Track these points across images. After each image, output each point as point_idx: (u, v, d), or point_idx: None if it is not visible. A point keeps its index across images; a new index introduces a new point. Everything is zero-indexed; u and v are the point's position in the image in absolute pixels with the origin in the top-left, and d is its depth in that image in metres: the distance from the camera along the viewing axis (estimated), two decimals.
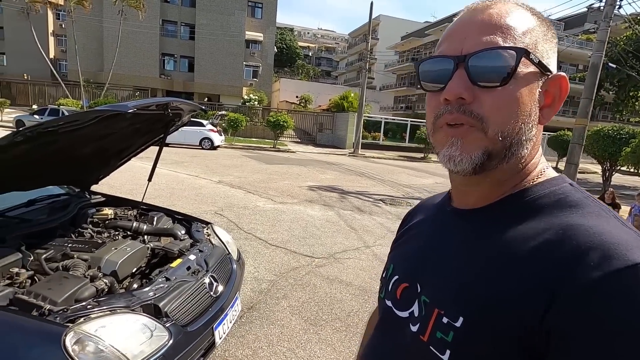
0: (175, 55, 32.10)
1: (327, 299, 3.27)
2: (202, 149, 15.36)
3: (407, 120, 23.75)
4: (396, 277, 0.62)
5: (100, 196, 2.88)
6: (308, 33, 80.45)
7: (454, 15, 0.84)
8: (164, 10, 30.49)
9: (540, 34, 0.51)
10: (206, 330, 1.91)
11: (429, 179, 12.40)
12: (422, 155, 20.14)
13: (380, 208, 7.16)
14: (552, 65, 0.52)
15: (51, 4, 22.43)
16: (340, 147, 21.96)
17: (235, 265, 2.48)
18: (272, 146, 18.72)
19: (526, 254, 0.46)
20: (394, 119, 25.28)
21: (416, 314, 0.54)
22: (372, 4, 19.43)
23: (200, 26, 30.69)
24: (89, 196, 2.80)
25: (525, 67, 0.49)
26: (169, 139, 2.75)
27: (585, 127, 8.91)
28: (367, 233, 5.40)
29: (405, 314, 0.56)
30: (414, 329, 0.53)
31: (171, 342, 1.66)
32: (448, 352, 0.47)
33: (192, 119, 3.18)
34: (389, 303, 0.61)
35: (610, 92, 23.93)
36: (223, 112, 20.35)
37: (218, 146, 16.05)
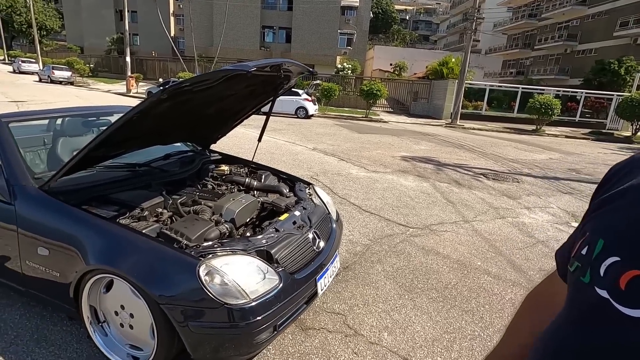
0: (274, 27, 33.38)
1: (422, 268, 3.19)
2: (298, 117, 15.99)
3: (517, 88, 20.89)
4: (615, 258, 0.48)
5: (217, 154, 3.23)
6: None
7: None
8: None
9: None
10: (310, 280, 2.03)
11: (542, 154, 10.89)
12: (533, 127, 17.70)
13: (481, 182, 6.59)
14: None
15: None
16: (436, 117, 20.60)
17: (335, 225, 2.57)
18: (364, 116, 18.51)
19: None
20: (500, 86, 22.49)
21: None
22: None
23: None
24: (209, 154, 3.16)
25: None
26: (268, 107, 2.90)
27: None
28: (466, 207, 5.05)
29: (636, 313, 0.44)
30: None
31: (281, 285, 1.82)
32: None
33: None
34: (603, 293, 0.48)
35: None
36: (317, 82, 20.73)
37: (312, 115, 16.53)
